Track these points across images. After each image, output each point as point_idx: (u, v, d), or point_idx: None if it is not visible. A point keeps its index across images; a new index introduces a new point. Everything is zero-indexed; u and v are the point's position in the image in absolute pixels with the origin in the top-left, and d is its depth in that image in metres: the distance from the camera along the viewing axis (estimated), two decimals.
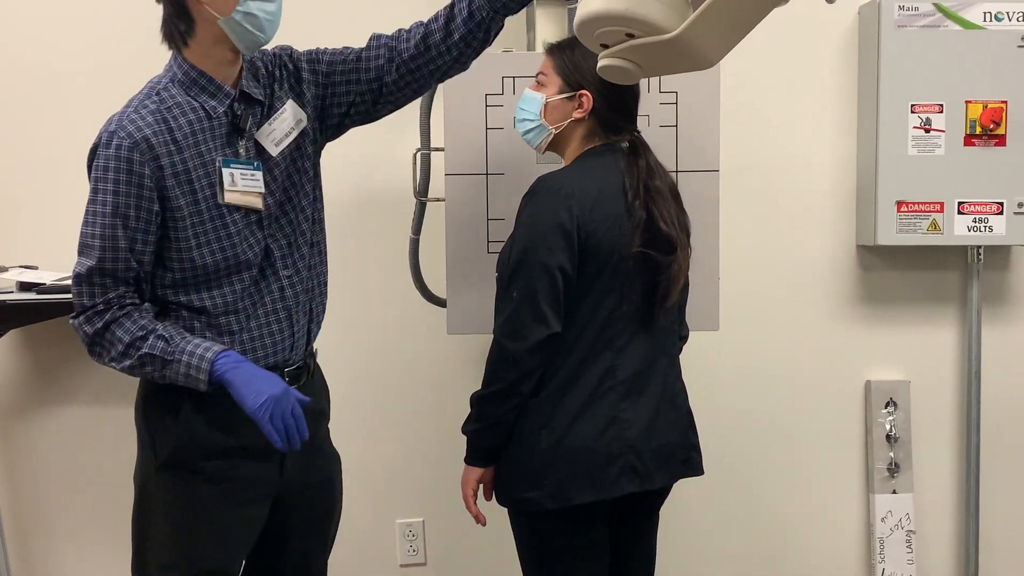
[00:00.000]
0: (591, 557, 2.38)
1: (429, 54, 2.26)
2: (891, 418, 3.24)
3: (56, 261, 2.93)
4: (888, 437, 3.24)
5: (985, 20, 3.05)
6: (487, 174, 2.70)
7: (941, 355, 3.29)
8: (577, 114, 2.37)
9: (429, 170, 2.86)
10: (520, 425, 2.33)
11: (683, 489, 2.50)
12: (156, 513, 2.22)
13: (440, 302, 2.91)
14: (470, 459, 2.40)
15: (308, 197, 2.28)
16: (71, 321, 2.10)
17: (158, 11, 2.10)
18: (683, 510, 2.70)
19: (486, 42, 2.27)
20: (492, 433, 2.35)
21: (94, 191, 2.05)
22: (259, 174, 2.16)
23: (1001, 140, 3.07)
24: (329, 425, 2.42)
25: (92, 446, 3.10)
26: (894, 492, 3.23)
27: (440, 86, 2.75)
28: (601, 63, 1.39)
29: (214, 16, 2.03)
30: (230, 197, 2.10)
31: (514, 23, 2.90)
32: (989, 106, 3.06)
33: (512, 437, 2.34)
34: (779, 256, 3.23)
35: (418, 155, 2.85)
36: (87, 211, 2.06)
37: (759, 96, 3.10)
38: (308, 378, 2.31)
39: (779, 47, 3.04)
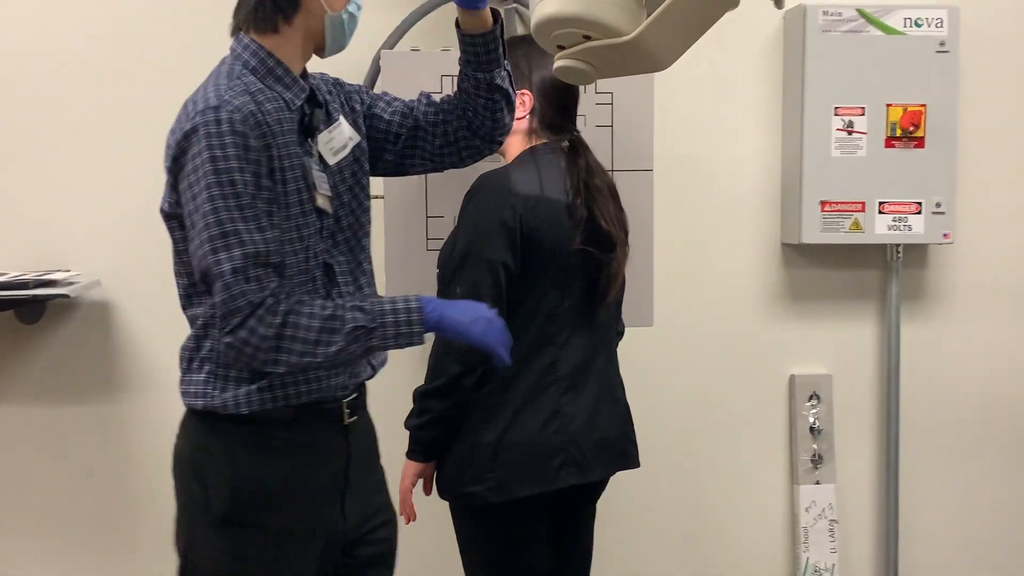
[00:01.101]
0: (533, 549, 2.39)
1: (439, 107, 2.14)
2: (814, 411, 3.28)
3: None
4: (811, 429, 3.27)
5: (905, 26, 3.09)
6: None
7: (862, 350, 3.33)
8: (518, 113, 2.38)
9: None
10: (463, 420, 2.33)
11: (618, 481, 2.51)
12: None
13: None
14: (411, 454, 2.39)
15: (367, 215, 2.11)
16: (227, 339, 1.78)
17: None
18: (618, 501, 2.71)
19: (492, 100, 2.10)
20: (434, 428, 2.34)
21: (213, 174, 1.76)
22: (326, 178, 1.98)
23: (920, 142, 3.11)
24: None
25: (21, 446, 3.04)
26: (817, 483, 3.27)
27: (379, 83, 2.77)
28: (557, 64, 1.40)
29: (323, 9, 1.90)
30: (320, 200, 1.94)
31: (449, 23, 2.94)
32: (909, 109, 3.10)
33: (454, 431, 2.34)
34: (708, 254, 3.26)
35: None
36: (204, 201, 1.77)
37: (690, 98, 3.14)
38: (362, 413, 2.11)
39: (708, 50, 3.04)
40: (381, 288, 2.79)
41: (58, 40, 2.99)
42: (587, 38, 1.35)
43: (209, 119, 1.77)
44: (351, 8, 1.95)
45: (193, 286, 1.92)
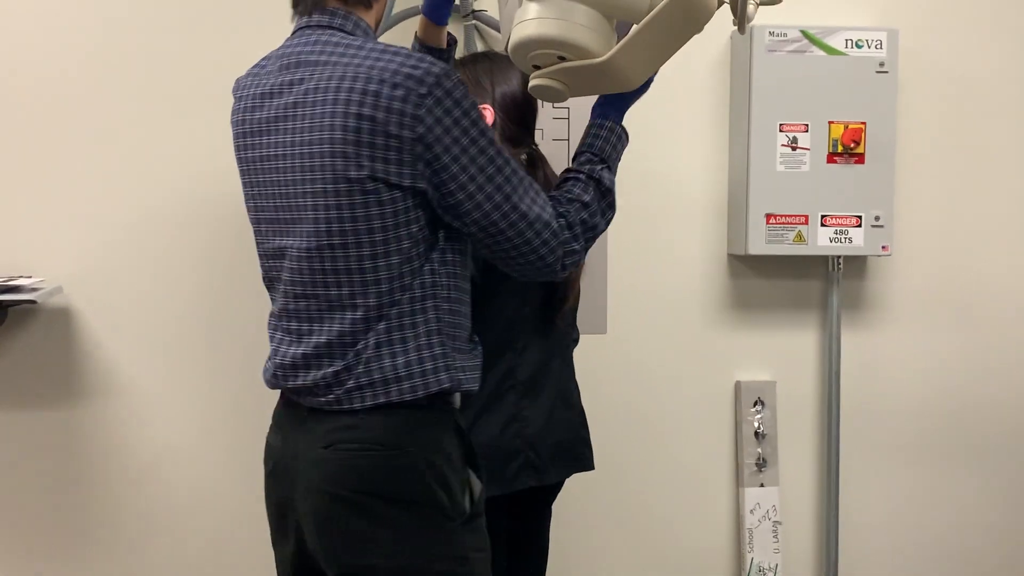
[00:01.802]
0: (495, 549, 2.29)
1: None
2: (759, 416, 3.32)
3: None
4: (756, 434, 3.31)
5: (847, 47, 3.13)
6: None
7: (804, 357, 3.36)
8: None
9: None
10: None
11: (572, 483, 2.54)
12: None
13: None
14: None
15: None
16: (561, 272, 1.84)
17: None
18: (571, 503, 2.74)
19: None
20: None
21: (477, 125, 1.71)
22: None
23: (860, 158, 3.14)
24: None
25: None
26: (762, 485, 3.31)
27: None
28: (533, 82, 1.45)
29: None
30: None
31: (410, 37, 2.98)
32: (850, 126, 3.13)
33: None
34: (657, 264, 3.27)
35: None
36: (489, 148, 1.72)
37: (639, 112, 3.18)
38: None
39: None
40: None
41: (19, 46, 2.95)
42: (562, 59, 1.39)
43: (448, 74, 1.68)
44: None
45: (409, 261, 1.77)
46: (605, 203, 1.91)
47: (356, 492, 1.74)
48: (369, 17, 1.85)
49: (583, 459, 2.53)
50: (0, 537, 3.02)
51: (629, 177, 3.06)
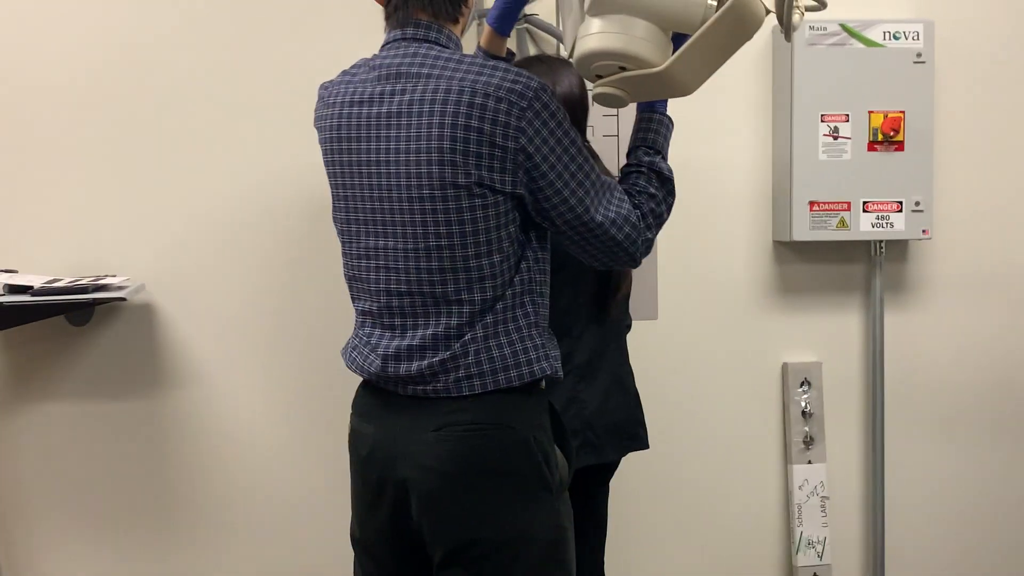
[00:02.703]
0: None
1: None
2: (805, 396, 3.34)
3: (36, 264, 3.00)
4: (803, 413, 3.33)
5: (885, 39, 3.15)
6: None
7: (849, 339, 3.39)
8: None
9: None
10: None
11: (628, 461, 2.59)
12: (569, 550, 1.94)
13: None
14: None
15: None
16: (640, 260, 1.93)
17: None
18: (628, 480, 2.79)
19: None
20: None
21: (568, 135, 1.80)
22: None
23: (900, 146, 3.16)
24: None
25: (74, 443, 3.10)
26: (809, 463, 3.34)
27: None
28: (596, 90, 1.53)
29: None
30: None
31: (468, 43, 3.06)
32: (889, 116, 3.15)
33: None
34: (705, 252, 3.30)
35: None
36: (579, 157, 1.82)
37: (688, 107, 3.16)
38: None
39: None
40: None
41: (95, 48, 3.02)
42: (623, 69, 1.47)
43: (544, 87, 1.76)
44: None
45: (508, 259, 1.86)
46: (666, 190, 1.98)
47: (468, 469, 1.81)
48: (457, 30, 1.91)
49: (638, 438, 2.58)
50: (90, 514, 3.13)
51: (676, 167, 3.02)
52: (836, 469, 3.42)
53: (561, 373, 1.98)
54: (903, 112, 3.19)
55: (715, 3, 1.45)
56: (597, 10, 1.46)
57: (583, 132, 2.55)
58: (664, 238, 2.91)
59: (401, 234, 1.85)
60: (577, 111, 2.50)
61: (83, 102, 3.05)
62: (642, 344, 2.71)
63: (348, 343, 2.05)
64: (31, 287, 2.73)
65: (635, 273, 2.59)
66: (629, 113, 2.81)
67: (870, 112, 3.19)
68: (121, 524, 3.15)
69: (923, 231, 3.24)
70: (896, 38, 3.19)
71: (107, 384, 3.10)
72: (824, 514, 3.37)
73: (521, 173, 1.79)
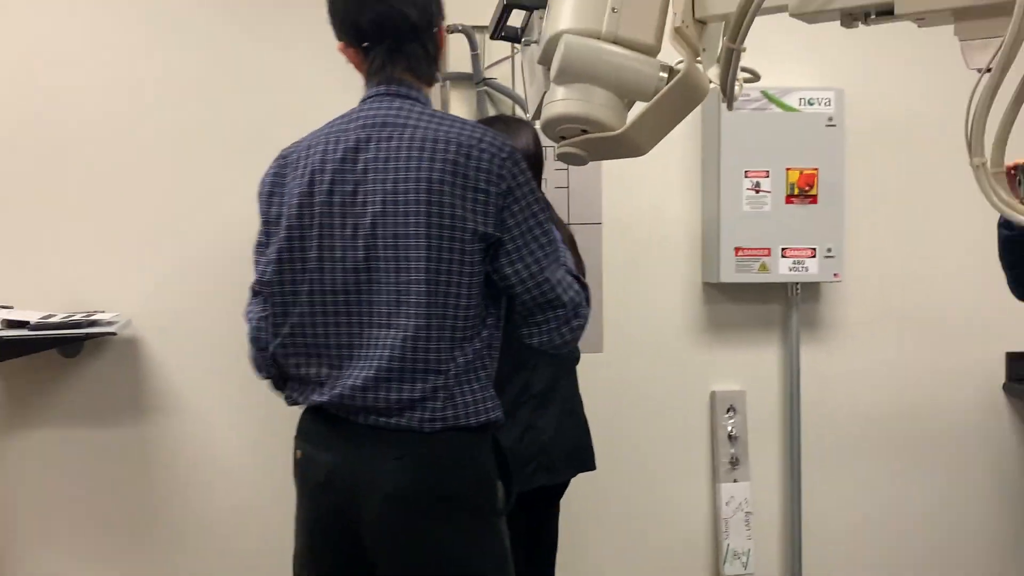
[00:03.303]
0: (514, 539, 2.39)
1: None
2: (731, 421, 3.36)
3: (30, 301, 2.92)
4: (729, 437, 3.35)
5: (801, 104, 3.20)
6: None
7: (769, 370, 3.42)
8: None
9: None
10: None
11: (576, 480, 2.60)
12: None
13: None
14: None
15: None
16: (579, 325, 1.86)
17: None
18: (575, 498, 2.76)
19: None
20: None
21: (535, 192, 1.82)
22: None
23: (814, 199, 3.21)
24: None
25: (64, 465, 3.04)
26: (735, 481, 3.35)
27: None
28: (560, 150, 1.54)
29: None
30: None
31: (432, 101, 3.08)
32: (804, 172, 3.19)
33: None
34: (645, 292, 3.30)
35: None
36: (544, 218, 1.82)
37: (629, 164, 3.23)
38: None
39: None
40: None
41: (86, 97, 2.97)
42: (584, 131, 1.49)
43: (518, 156, 1.79)
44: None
45: (480, 312, 1.81)
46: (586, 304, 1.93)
47: (425, 497, 1.78)
48: (429, 92, 1.91)
49: (587, 461, 2.60)
50: (77, 532, 3.07)
51: (618, 217, 3.16)
52: (759, 487, 3.43)
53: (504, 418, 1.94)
54: (817, 169, 3.23)
55: (666, 75, 1.48)
56: (562, 79, 1.48)
57: (538, 183, 2.57)
58: (608, 279, 2.94)
59: (388, 269, 1.77)
60: (533, 165, 2.53)
61: (74, 150, 3.01)
62: (588, 374, 2.69)
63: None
64: (28, 322, 2.70)
65: None
66: (576, 170, 2.87)
67: (788, 169, 3.23)
68: (106, 542, 3.09)
69: (834, 275, 3.28)
70: (811, 104, 3.24)
71: (95, 411, 3.05)
72: (748, 528, 3.38)
73: (504, 214, 1.76)
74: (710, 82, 1.52)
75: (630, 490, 3.35)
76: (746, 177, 3.22)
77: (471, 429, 1.82)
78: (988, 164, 1.25)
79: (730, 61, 1.46)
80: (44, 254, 3.01)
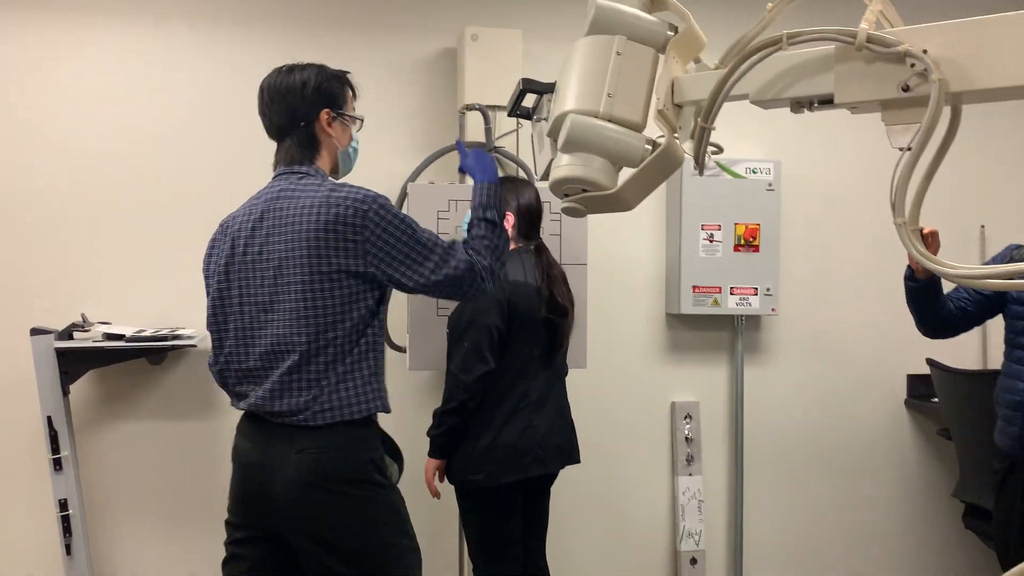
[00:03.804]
0: (512, 518, 2.48)
1: None
2: (688, 426, 3.36)
3: (124, 317, 2.93)
4: (686, 439, 3.35)
5: (747, 172, 3.23)
6: None
7: (718, 385, 3.42)
8: (505, 227, 2.56)
9: None
10: (466, 429, 2.41)
11: (562, 472, 2.60)
12: None
13: (399, 348, 2.95)
14: (432, 453, 2.46)
15: None
16: (482, 285, 1.88)
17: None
18: (561, 486, 2.76)
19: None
20: (448, 435, 2.41)
21: (401, 218, 1.84)
22: None
23: (756, 248, 3.23)
24: None
25: (148, 454, 3.02)
26: (690, 475, 3.35)
27: (407, 202, 2.84)
28: (564, 205, 1.53)
29: (335, 146, 1.96)
30: None
31: (452, 165, 3.09)
32: (749, 227, 3.22)
33: (462, 438, 2.42)
34: (619, 320, 3.31)
35: None
36: (412, 225, 1.85)
37: (609, 217, 3.27)
38: None
39: None
40: (401, 340, 2.93)
41: (169, 119, 2.94)
42: (584, 190, 1.51)
43: (383, 199, 1.84)
44: (353, 144, 2.01)
45: (358, 325, 1.84)
46: (493, 230, 1.95)
47: (323, 480, 1.80)
48: (326, 166, 1.95)
49: (573, 455, 2.60)
50: (157, 509, 3.04)
51: (600, 258, 3.16)
52: (709, 479, 3.43)
53: (389, 408, 1.92)
54: (759, 224, 3.26)
55: (650, 147, 1.50)
56: (567, 148, 1.49)
57: (537, 230, 2.59)
58: (591, 309, 2.94)
59: (283, 308, 1.83)
60: (535, 215, 2.57)
61: (165, 191, 3.00)
62: (574, 385, 2.69)
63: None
64: (123, 335, 2.70)
65: (571, 334, 2.61)
66: (568, 221, 2.88)
67: (736, 223, 3.25)
68: (181, 521, 3.06)
69: (772, 309, 3.29)
70: (754, 172, 3.28)
71: (175, 409, 3.04)
72: (700, 513, 3.37)
73: (370, 256, 1.81)
74: (685, 153, 1.53)
75: (605, 480, 3.35)
76: (702, 229, 3.24)
77: (354, 422, 1.84)
78: (907, 223, 1.27)
79: (702, 137, 1.47)
80: (139, 280, 3.01)
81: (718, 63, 1.60)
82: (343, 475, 1.82)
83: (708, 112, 1.44)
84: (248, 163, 2.93)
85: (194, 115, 3.02)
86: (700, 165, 1.53)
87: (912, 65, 1.22)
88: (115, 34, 2.98)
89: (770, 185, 3.28)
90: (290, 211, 1.83)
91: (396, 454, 2.02)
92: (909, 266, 2.45)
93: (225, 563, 1.95)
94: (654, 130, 1.57)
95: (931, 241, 2.30)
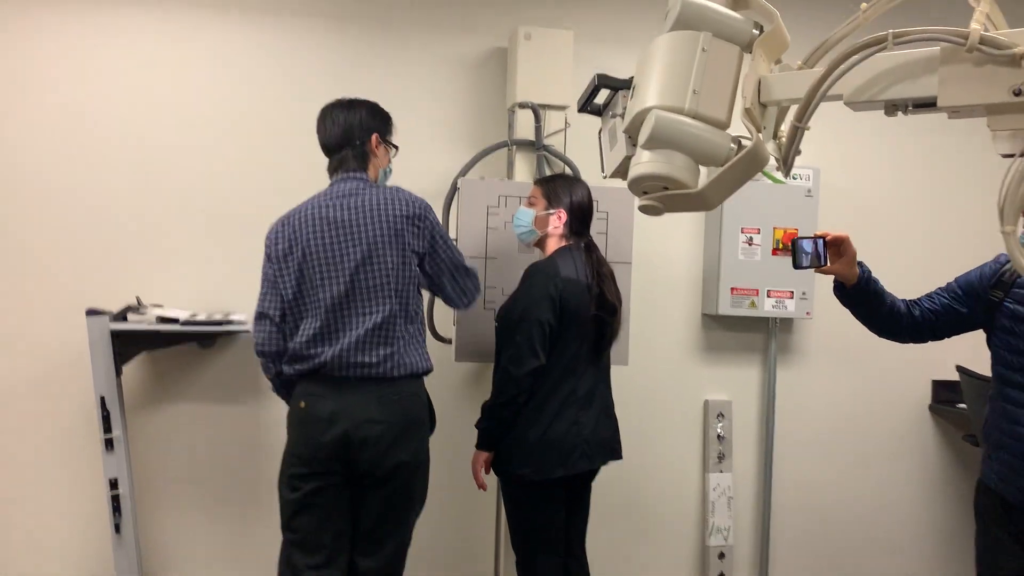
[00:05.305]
0: (557, 511, 2.42)
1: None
2: (720, 424, 3.29)
3: (176, 302, 2.88)
4: (718, 437, 3.29)
5: (787, 179, 3.21)
6: (485, 257, 2.76)
7: (751, 385, 3.35)
8: (556, 223, 2.48)
9: None
10: (516, 424, 2.35)
11: (603, 469, 2.53)
12: None
13: (445, 340, 2.90)
14: (480, 445, 2.40)
15: None
16: (474, 298, 2.41)
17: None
18: (600, 481, 2.72)
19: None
20: (497, 429, 2.36)
21: (439, 223, 2.32)
22: None
23: None
24: None
25: (197, 434, 2.96)
26: (721, 472, 3.28)
27: (457, 195, 2.79)
28: (642, 203, 1.45)
29: (380, 165, 2.34)
30: None
31: (501, 161, 3.01)
32: (787, 231, 3.15)
33: (510, 432, 2.36)
34: (658, 319, 3.25)
35: None
36: (448, 241, 2.33)
37: (655, 218, 3.23)
38: None
39: None
40: (447, 332, 2.86)
41: (226, 111, 2.89)
42: (665, 188, 1.42)
43: (428, 205, 2.31)
44: (390, 167, 2.37)
45: (410, 295, 2.25)
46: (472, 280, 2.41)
47: (398, 419, 2.20)
48: (370, 174, 2.32)
49: (616, 451, 2.53)
50: (203, 492, 2.99)
51: (639, 261, 3.10)
52: (739, 477, 3.37)
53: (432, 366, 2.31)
54: (797, 229, 3.19)
55: (735, 146, 1.40)
56: (650, 145, 1.40)
57: (588, 228, 2.52)
58: (633, 307, 2.85)
59: (375, 276, 2.21)
60: (587, 212, 2.51)
61: (220, 182, 2.95)
62: (615, 382, 2.62)
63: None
64: (177, 319, 2.65)
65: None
66: (616, 219, 2.81)
67: (774, 228, 3.19)
68: (227, 502, 3.00)
69: (806, 312, 3.23)
70: (794, 179, 3.20)
71: (225, 391, 2.99)
72: (730, 509, 3.31)
73: (427, 240, 2.26)
74: (770, 154, 1.44)
75: (639, 474, 3.28)
76: (742, 232, 3.18)
77: (417, 375, 2.26)
78: (1017, 231, 1.17)
79: (795, 137, 1.38)
80: (191, 266, 2.95)
81: (802, 63, 1.50)
82: (412, 416, 2.23)
83: (803, 112, 1.34)
84: (298, 157, 2.93)
85: (251, 109, 2.96)
86: (788, 166, 1.44)
87: None
88: (182, 30, 2.92)
89: (809, 192, 3.21)
90: (372, 202, 2.22)
91: (431, 408, 2.37)
92: (835, 280, 2.27)
93: (296, 515, 2.23)
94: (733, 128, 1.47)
95: (846, 247, 2.14)
